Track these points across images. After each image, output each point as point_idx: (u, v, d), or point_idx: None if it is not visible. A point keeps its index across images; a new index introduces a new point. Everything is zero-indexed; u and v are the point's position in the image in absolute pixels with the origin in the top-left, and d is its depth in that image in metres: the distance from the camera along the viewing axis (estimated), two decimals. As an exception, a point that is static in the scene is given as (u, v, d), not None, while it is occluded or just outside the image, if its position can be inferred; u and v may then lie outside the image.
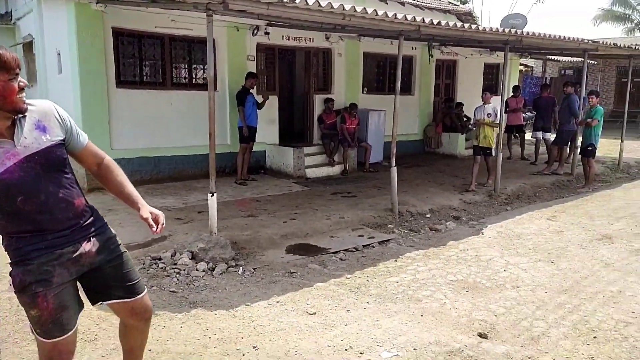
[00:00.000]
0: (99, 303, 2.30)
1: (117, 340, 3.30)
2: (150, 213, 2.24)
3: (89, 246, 2.13)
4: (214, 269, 4.64)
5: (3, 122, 1.90)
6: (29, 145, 1.94)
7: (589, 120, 8.65)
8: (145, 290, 2.37)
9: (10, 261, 2.03)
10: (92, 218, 2.18)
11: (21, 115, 1.94)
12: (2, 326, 3.53)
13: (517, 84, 12.84)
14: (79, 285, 2.22)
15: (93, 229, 2.17)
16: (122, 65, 7.95)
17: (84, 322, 3.55)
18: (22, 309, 2.08)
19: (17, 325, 3.54)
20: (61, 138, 2.06)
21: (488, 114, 8.13)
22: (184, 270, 4.57)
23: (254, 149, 8.71)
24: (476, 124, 8.34)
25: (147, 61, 8.25)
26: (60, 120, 2.07)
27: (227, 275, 4.57)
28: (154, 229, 2.22)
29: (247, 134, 8.21)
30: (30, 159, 1.93)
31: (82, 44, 7.27)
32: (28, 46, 10.03)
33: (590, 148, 8.67)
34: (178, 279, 4.41)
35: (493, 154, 8.25)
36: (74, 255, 2.08)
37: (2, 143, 1.90)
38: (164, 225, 2.28)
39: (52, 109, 2.08)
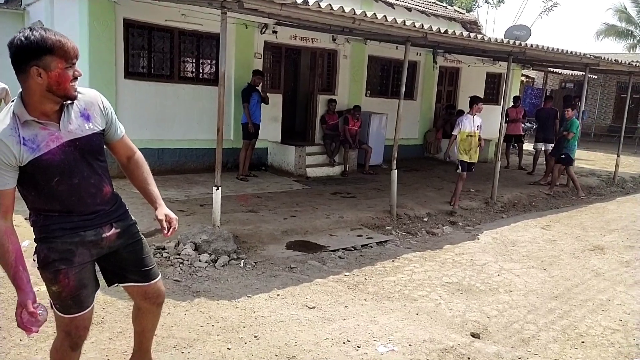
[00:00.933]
0: (115, 285, 2.42)
1: (123, 323, 3.43)
2: (166, 215, 2.33)
3: (110, 231, 2.23)
4: (216, 261, 4.76)
5: (52, 105, 1.99)
6: (72, 131, 2.04)
7: (565, 132, 9.14)
8: (160, 277, 2.46)
9: (35, 237, 2.14)
10: (116, 205, 2.29)
11: (69, 102, 2.04)
12: (12, 306, 3.63)
13: (517, 95, 13.00)
14: (96, 266, 2.34)
15: (116, 215, 2.28)
16: (131, 57, 8.05)
17: (90, 305, 3.66)
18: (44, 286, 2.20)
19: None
20: (102, 128, 2.17)
21: (478, 127, 7.47)
22: (187, 260, 4.69)
23: (256, 146, 8.83)
24: (454, 140, 7.60)
25: (155, 53, 8.35)
26: (103, 111, 2.18)
27: (229, 268, 4.69)
28: (166, 232, 2.33)
29: (252, 131, 8.32)
30: (72, 143, 2.03)
31: (93, 34, 7.37)
32: (37, 33, 10.09)
33: (563, 156, 9.21)
34: (181, 269, 4.53)
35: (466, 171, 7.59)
36: (96, 238, 2.19)
37: (49, 126, 1.99)
38: (176, 229, 2.38)
39: (98, 99, 2.18)
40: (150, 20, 7.94)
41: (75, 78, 1.98)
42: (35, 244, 2.15)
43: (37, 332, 2.07)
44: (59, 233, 2.10)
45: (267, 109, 8.89)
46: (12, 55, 1.89)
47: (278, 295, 4.14)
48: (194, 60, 8.76)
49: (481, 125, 7.56)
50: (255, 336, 3.41)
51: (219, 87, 5.23)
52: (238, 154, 8.60)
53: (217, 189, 5.27)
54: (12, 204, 2.00)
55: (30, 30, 1.87)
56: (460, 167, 7.55)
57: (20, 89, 1.98)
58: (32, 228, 2.16)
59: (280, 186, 8.24)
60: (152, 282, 2.40)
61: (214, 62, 8.94)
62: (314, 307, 3.94)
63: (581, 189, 9.39)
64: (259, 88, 8.53)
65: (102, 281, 2.38)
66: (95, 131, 2.13)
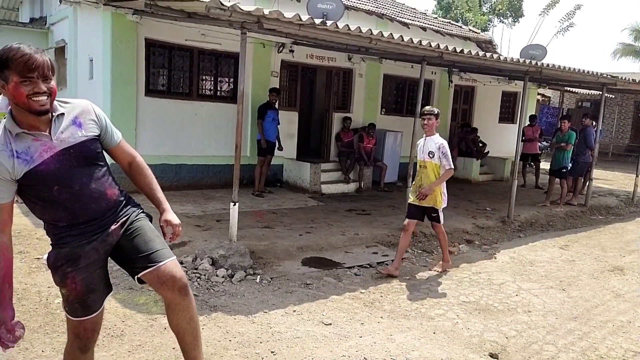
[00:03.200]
0: (135, 278, 2.33)
1: (142, 336, 3.47)
2: (167, 221, 2.38)
3: (115, 225, 2.26)
4: (233, 276, 4.79)
5: (33, 118, 2.01)
6: (65, 139, 2.07)
7: (562, 144, 9.28)
8: (172, 258, 2.32)
9: (50, 242, 2.22)
10: (123, 205, 2.32)
11: (58, 113, 2.08)
12: (34, 318, 3.70)
13: (533, 113, 12.95)
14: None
15: (123, 212, 2.31)
16: (151, 75, 8.25)
17: (109, 319, 3.71)
18: (52, 299, 2.25)
19: (47, 317, 3.70)
20: (95, 134, 2.19)
21: (430, 153, 5.24)
22: (204, 275, 4.72)
23: (272, 163, 8.91)
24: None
25: (175, 72, 8.54)
26: (96, 118, 2.22)
27: (245, 283, 4.72)
28: (167, 238, 2.37)
29: (265, 147, 8.42)
30: (66, 152, 2.07)
31: (115, 52, 7.58)
32: (60, 51, 10.41)
33: (564, 170, 9.34)
34: (199, 283, 4.56)
35: (441, 220, 5.41)
36: (103, 237, 2.22)
37: (40, 137, 2.03)
38: (179, 236, 2.40)
39: (89, 107, 2.23)
40: (171, 39, 8.15)
41: (37, 93, 1.94)
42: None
43: (13, 347, 2.14)
44: (69, 239, 2.16)
45: (283, 126, 8.99)
46: None
47: (294, 311, 4.15)
48: (212, 79, 8.94)
49: (442, 151, 5.18)
50: (272, 352, 3.41)
51: (237, 104, 5.33)
52: (254, 171, 8.69)
53: (235, 205, 5.32)
54: (9, 218, 2.06)
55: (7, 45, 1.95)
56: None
57: None
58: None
59: (296, 202, 8.28)
60: (161, 263, 2.26)
61: (231, 80, 9.10)
62: (330, 324, 3.93)
63: (562, 203, 9.36)
64: (276, 106, 8.65)
65: (128, 282, 2.42)
66: (88, 137, 2.15)
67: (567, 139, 9.25)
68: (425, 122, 5.22)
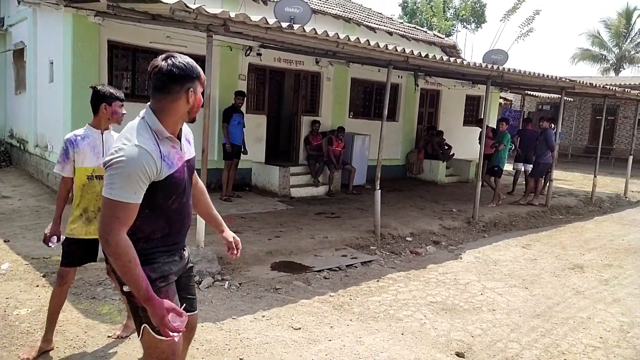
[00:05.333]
0: None
1: (106, 347, 3.37)
2: (234, 237, 2.50)
3: (186, 254, 2.28)
4: (200, 282, 4.71)
5: (179, 127, 2.08)
6: (186, 152, 2.13)
7: (497, 145, 9.77)
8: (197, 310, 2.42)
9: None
10: None
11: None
12: (-11, 330, 3.54)
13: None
14: None
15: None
16: (115, 78, 8.06)
17: (71, 330, 3.60)
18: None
19: (5, 330, 3.56)
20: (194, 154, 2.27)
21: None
22: (171, 282, 4.63)
23: (239, 166, 8.84)
24: None
25: (140, 74, 8.37)
26: (192, 139, 2.29)
27: (213, 289, 4.65)
28: (234, 252, 2.47)
29: (230, 151, 8.35)
30: (187, 163, 2.12)
31: (76, 55, 7.37)
32: (19, 53, 10.06)
33: (496, 168, 9.76)
34: (165, 291, 4.47)
35: None
36: (180, 260, 2.19)
37: (176, 145, 2.05)
38: (241, 250, 2.52)
39: (189, 128, 2.26)
40: (135, 42, 7.99)
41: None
42: None
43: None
44: (158, 255, 2.07)
45: (251, 129, 8.93)
46: (171, 77, 1.94)
47: (263, 316, 4.12)
48: (178, 82, 8.78)
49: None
50: (241, 358, 3.37)
51: (204, 108, 5.24)
52: (221, 175, 8.59)
53: (202, 210, 5.23)
54: (133, 219, 1.93)
55: (178, 56, 1.98)
56: None
57: (151, 109, 2.00)
58: None
59: (264, 206, 8.24)
60: (194, 313, 2.37)
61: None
62: (300, 328, 3.92)
63: (496, 200, 9.60)
64: (242, 109, 8.59)
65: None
66: (193, 155, 2.22)
67: (501, 139, 9.74)
68: (115, 108, 3.22)
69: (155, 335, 2.00)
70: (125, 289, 1.99)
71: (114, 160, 1.86)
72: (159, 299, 1.89)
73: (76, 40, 7.35)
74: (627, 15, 33.07)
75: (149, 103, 2.02)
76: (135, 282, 1.87)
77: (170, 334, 1.90)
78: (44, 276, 4.61)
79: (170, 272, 2.10)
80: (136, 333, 2.11)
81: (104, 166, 1.90)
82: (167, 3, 4.55)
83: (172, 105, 1.98)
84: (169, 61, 1.94)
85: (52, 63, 8.19)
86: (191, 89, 1.98)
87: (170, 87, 1.95)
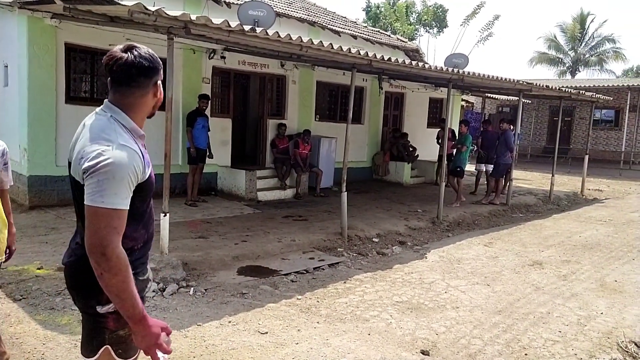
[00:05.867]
0: None
1: (65, 359, 3.26)
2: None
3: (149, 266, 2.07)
4: (164, 290, 4.63)
5: (143, 123, 1.91)
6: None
7: (459, 146, 10.11)
8: None
9: None
10: None
11: None
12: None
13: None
14: None
15: None
16: (72, 81, 7.83)
17: (29, 342, 3.48)
18: None
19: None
20: None
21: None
22: (134, 290, 4.52)
23: (205, 171, 8.73)
24: None
25: (99, 77, 8.16)
26: None
27: (178, 296, 4.57)
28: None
29: (194, 156, 8.25)
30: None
31: (32, 58, 7.13)
32: (-30, 56, 9.62)
33: (458, 169, 10.03)
34: (128, 299, 4.36)
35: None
36: (147, 271, 2.01)
37: (143, 142, 1.89)
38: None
39: None
40: (93, 44, 7.77)
41: None
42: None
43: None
44: (140, 269, 1.88)
45: (216, 133, 8.83)
46: (140, 69, 1.77)
47: (229, 322, 4.08)
48: (140, 85, 8.61)
49: (4, 161, 3.16)
50: (206, 365, 3.33)
51: (166, 112, 5.17)
52: (186, 180, 8.46)
53: (165, 216, 5.15)
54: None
55: (140, 46, 1.80)
56: None
57: (115, 105, 1.81)
58: None
59: (231, 211, 8.16)
60: None
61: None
62: (267, 333, 3.90)
63: (460, 200, 9.84)
64: (207, 113, 8.49)
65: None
66: None
67: (463, 141, 10.05)
68: None
69: (117, 358, 1.86)
70: (103, 309, 1.78)
71: (100, 165, 1.64)
72: (151, 319, 1.72)
73: (32, 43, 7.10)
74: (582, 20, 34.53)
75: (107, 99, 1.83)
76: (132, 300, 1.66)
77: (159, 355, 1.73)
78: (-2, 288, 4.43)
79: (146, 287, 1.94)
80: (83, 353, 1.89)
81: (84, 173, 1.67)
82: (125, 5, 4.47)
83: (140, 100, 1.83)
84: (135, 52, 1.77)
85: (6, 67, 7.88)
86: (159, 82, 1.86)
87: (138, 80, 1.79)
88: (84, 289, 1.81)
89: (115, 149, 1.69)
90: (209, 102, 8.69)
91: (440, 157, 11.66)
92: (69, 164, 1.83)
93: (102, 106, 1.85)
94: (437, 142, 12.31)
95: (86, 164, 1.66)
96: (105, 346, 1.85)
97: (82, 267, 1.77)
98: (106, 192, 1.64)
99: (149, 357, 1.74)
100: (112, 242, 1.63)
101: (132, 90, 1.81)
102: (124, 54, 1.77)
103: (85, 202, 1.65)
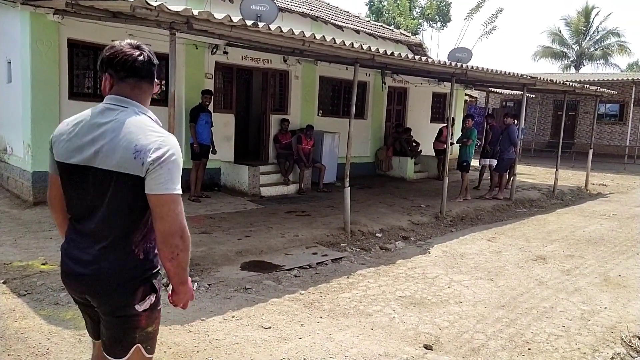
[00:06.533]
0: None
1: (70, 354, 3.30)
2: None
3: None
4: (168, 285, 4.63)
5: None
6: None
7: (464, 140, 10.02)
8: None
9: (151, 272, 1.95)
10: None
11: None
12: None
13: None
14: None
15: None
16: (75, 77, 7.85)
17: (34, 337, 3.50)
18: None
19: (-39, 339, 3.43)
20: None
21: None
22: (138, 285, 4.55)
23: (208, 166, 8.74)
24: None
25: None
26: None
27: (181, 291, 4.59)
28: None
29: (197, 151, 8.26)
30: None
31: (35, 54, 7.14)
32: (-27, 52, 9.64)
33: (464, 163, 9.91)
34: (132, 294, 4.39)
35: None
36: None
37: None
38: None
39: None
40: (96, 40, 7.78)
41: None
42: (148, 281, 1.93)
43: None
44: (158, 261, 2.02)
45: (219, 128, 8.84)
46: (153, 64, 1.91)
47: (233, 317, 4.09)
48: (142, 81, 8.61)
49: None
50: (210, 360, 3.35)
51: (169, 107, 5.18)
52: (189, 175, 8.47)
53: (169, 211, 5.15)
54: None
55: (139, 43, 1.90)
56: None
57: (133, 100, 1.88)
58: (143, 261, 1.92)
59: (234, 206, 8.17)
60: None
61: (163, 82, 8.81)
62: (270, 327, 3.91)
63: (463, 194, 9.82)
64: (210, 108, 8.49)
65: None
66: None
67: (468, 135, 9.98)
68: None
69: (146, 355, 1.95)
70: (141, 307, 1.88)
71: (167, 154, 1.76)
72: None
73: (34, 39, 7.11)
74: (586, 13, 34.27)
75: (114, 95, 1.86)
76: (187, 268, 1.90)
77: None
78: (4, 283, 4.46)
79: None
80: (112, 355, 1.93)
81: (153, 163, 1.73)
82: (127, 0, 4.46)
83: (150, 93, 1.95)
84: (144, 47, 1.90)
85: (9, 63, 7.90)
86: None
87: (154, 75, 1.94)
88: (124, 291, 1.85)
89: (169, 139, 1.81)
90: (212, 97, 8.69)
91: (443, 151, 11.64)
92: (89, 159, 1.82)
93: (112, 101, 1.86)
94: (442, 140, 12.17)
95: (153, 155, 1.74)
96: (136, 345, 1.91)
97: (122, 269, 1.84)
98: (176, 179, 1.80)
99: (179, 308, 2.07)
100: (185, 224, 1.81)
101: (149, 85, 1.93)
102: (138, 51, 1.87)
103: (155, 192, 1.76)
